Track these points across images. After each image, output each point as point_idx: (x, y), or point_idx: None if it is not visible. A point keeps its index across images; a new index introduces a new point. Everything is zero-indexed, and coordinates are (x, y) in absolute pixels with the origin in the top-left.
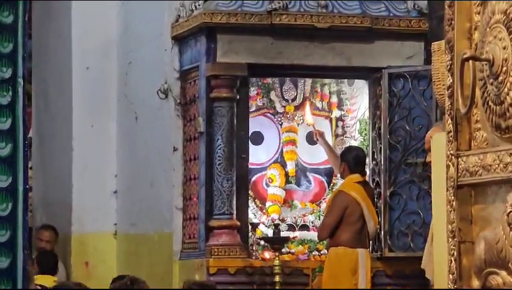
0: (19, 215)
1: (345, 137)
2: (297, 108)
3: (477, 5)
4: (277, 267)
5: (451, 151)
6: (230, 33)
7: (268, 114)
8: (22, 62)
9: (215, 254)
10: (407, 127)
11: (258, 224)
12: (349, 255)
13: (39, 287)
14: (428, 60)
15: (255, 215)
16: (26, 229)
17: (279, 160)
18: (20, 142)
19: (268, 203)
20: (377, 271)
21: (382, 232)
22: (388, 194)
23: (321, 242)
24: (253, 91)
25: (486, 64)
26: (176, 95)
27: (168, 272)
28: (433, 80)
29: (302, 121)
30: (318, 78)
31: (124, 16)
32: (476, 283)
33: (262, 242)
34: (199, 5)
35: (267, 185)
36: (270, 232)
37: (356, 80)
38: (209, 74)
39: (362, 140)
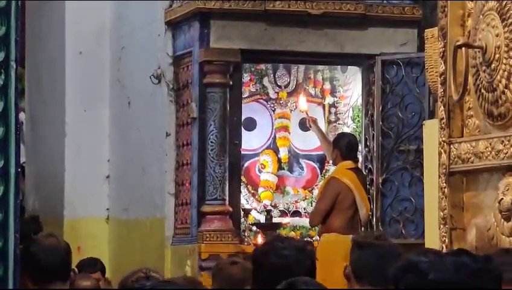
0: (10, 198)
1: (338, 124)
2: (290, 94)
3: None
4: None
5: (444, 138)
6: (223, 19)
7: (261, 100)
8: (14, 45)
9: (207, 239)
10: (400, 114)
11: (250, 210)
12: (341, 242)
13: None
14: (421, 47)
15: (247, 201)
16: (18, 212)
17: (271, 146)
18: (12, 125)
19: (260, 189)
20: None
21: (374, 219)
22: (380, 181)
23: (313, 228)
24: (246, 77)
25: (479, 52)
26: (169, 80)
27: (160, 258)
28: (426, 67)
29: (295, 107)
30: (311, 64)
31: (118, 1)
32: None
33: (254, 228)
34: None
35: (260, 171)
36: (262, 218)
37: (349, 67)
38: (202, 60)
39: (355, 127)
